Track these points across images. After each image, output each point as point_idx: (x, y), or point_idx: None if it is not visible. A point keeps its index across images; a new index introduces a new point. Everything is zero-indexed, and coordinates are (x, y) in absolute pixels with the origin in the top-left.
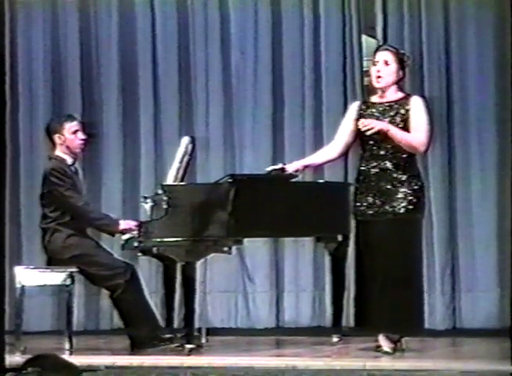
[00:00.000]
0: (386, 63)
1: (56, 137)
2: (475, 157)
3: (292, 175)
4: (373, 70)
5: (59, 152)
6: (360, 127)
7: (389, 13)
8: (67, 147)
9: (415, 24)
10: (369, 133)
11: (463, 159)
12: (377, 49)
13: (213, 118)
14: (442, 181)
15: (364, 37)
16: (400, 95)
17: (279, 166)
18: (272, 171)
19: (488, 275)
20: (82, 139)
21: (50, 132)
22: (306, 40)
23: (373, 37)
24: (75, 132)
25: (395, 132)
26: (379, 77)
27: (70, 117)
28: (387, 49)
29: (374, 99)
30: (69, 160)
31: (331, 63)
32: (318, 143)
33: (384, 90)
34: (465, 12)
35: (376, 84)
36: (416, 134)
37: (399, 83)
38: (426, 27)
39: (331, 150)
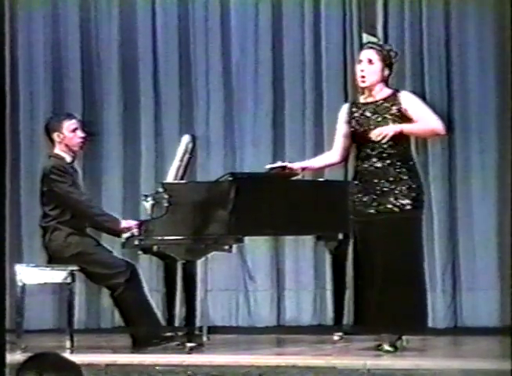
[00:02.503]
0: (370, 61)
1: (55, 135)
2: (475, 156)
3: (292, 174)
4: (358, 70)
5: (59, 150)
6: (374, 138)
7: (390, 11)
8: (66, 145)
9: (416, 22)
10: (384, 141)
11: (464, 157)
12: (362, 47)
13: (213, 116)
14: (442, 179)
15: (365, 36)
16: (387, 92)
17: (279, 164)
18: (271, 169)
19: (489, 273)
20: (81, 137)
21: (49, 131)
22: (307, 38)
23: (374, 35)
24: (74, 130)
25: (410, 128)
26: (363, 76)
27: (69, 116)
28: (371, 48)
29: (362, 99)
30: (68, 159)
31: (332, 61)
32: (318, 141)
33: (370, 89)
34: (466, 10)
35: (360, 84)
36: (428, 120)
37: (385, 81)
38: (426, 25)
39: (332, 154)
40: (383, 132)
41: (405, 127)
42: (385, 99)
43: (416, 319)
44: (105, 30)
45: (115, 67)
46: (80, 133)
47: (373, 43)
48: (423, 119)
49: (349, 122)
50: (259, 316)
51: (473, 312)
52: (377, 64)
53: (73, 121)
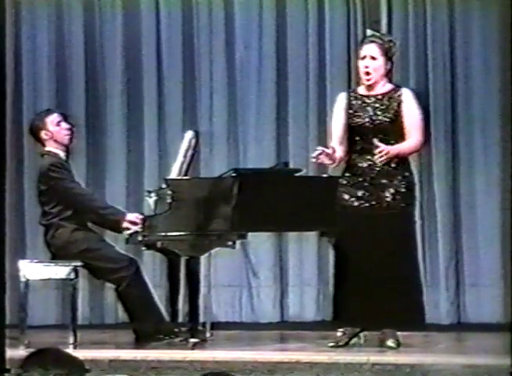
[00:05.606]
0: (373, 58)
1: (43, 134)
2: (479, 152)
3: (296, 170)
4: (361, 66)
5: (51, 147)
6: (376, 159)
7: (394, 7)
8: (56, 141)
9: (420, 18)
10: (382, 164)
11: (467, 154)
12: (362, 41)
13: (217, 112)
14: (446, 176)
15: (369, 32)
16: (388, 87)
17: (320, 150)
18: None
19: (492, 269)
20: (67, 129)
21: (35, 132)
22: (310, 34)
23: (378, 31)
24: (58, 123)
25: (403, 151)
26: (367, 73)
27: (49, 111)
28: (372, 42)
29: (362, 90)
30: (62, 155)
31: (335, 57)
32: (322, 138)
33: (373, 84)
34: (470, 6)
35: (365, 82)
36: (413, 137)
37: (387, 74)
38: (431, 21)
39: (339, 149)
40: (386, 155)
41: (400, 151)
42: (386, 94)
43: (408, 316)
44: (109, 26)
45: (119, 63)
46: (65, 125)
47: (373, 36)
48: (409, 133)
49: (346, 112)
50: (262, 312)
51: (476, 308)
52: (380, 59)
53: (55, 114)
